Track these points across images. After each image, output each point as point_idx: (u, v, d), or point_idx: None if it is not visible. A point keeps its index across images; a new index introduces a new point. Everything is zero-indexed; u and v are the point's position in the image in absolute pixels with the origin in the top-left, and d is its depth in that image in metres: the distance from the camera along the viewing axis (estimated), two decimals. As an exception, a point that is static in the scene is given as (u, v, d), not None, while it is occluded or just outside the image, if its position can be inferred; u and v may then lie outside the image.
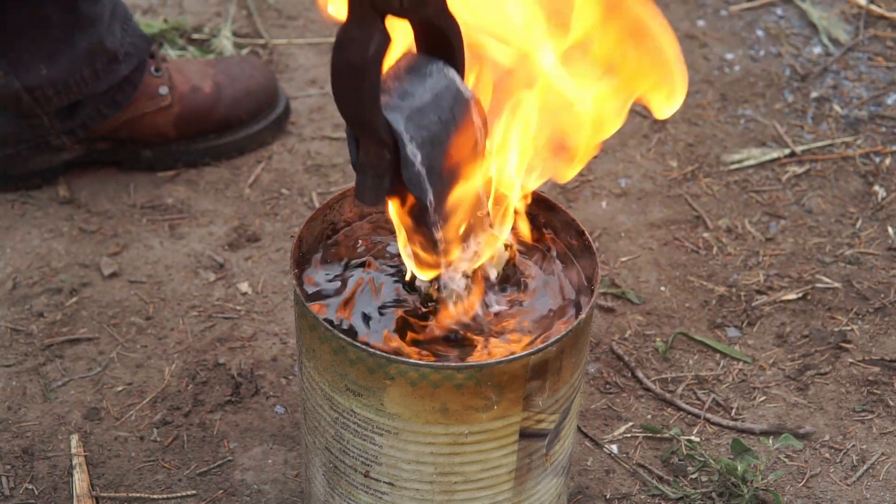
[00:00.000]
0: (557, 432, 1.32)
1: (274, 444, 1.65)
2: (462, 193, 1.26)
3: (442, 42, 1.23)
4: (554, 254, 1.40)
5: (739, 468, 1.59)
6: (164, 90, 2.01)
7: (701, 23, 2.40)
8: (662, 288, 1.89)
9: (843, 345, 1.81)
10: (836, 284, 1.90)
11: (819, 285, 1.90)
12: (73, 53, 1.90)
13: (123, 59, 1.95)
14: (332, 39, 2.31)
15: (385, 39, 1.16)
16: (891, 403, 1.73)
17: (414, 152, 1.20)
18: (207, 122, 2.06)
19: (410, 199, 1.24)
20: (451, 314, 1.31)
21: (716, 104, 2.23)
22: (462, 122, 1.23)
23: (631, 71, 1.26)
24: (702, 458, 1.63)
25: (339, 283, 1.36)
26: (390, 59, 1.23)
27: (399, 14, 1.16)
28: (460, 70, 1.24)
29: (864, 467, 1.65)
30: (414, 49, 1.25)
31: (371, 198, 1.23)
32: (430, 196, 1.22)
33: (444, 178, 1.24)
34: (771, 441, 1.67)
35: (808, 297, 1.88)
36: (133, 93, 1.98)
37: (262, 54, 2.30)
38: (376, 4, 1.14)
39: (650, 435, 1.68)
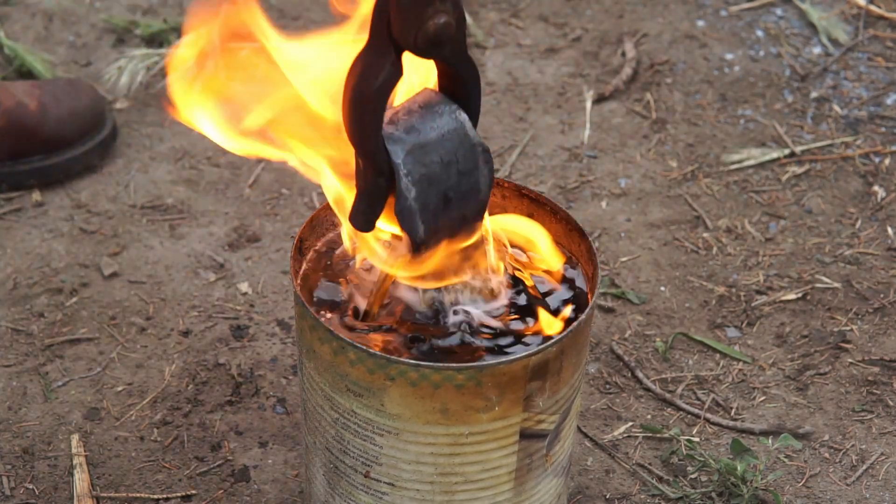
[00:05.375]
0: (557, 433, 1.32)
1: (274, 444, 1.65)
2: (455, 239, 1.27)
3: (458, 86, 1.24)
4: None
5: (739, 468, 1.59)
6: None
7: (701, 23, 2.40)
8: (662, 288, 1.89)
9: (843, 345, 1.81)
10: (836, 284, 1.90)
11: (819, 285, 1.90)
12: None
13: None
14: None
15: (395, 73, 1.17)
16: (890, 403, 1.73)
17: (408, 187, 1.20)
18: (34, 141, 1.99)
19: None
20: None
21: (715, 104, 2.23)
22: (466, 167, 1.24)
23: None
24: (701, 458, 1.63)
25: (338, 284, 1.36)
26: (411, 91, 1.24)
27: (415, 52, 1.18)
28: (473, 116, 1.25)
29: (864, 467, 1.65)
30: (436, 86, 1.26)
31: (362, 223, 1.24)
32: (420, 233, 1.23)
33: (440, 219, 1.24)
34: (770, 441, 1.67)
35: (808, 298, 1.88)
36: None
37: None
38: (394, 38, 1.16)
39: (650, 435, 1.68)
